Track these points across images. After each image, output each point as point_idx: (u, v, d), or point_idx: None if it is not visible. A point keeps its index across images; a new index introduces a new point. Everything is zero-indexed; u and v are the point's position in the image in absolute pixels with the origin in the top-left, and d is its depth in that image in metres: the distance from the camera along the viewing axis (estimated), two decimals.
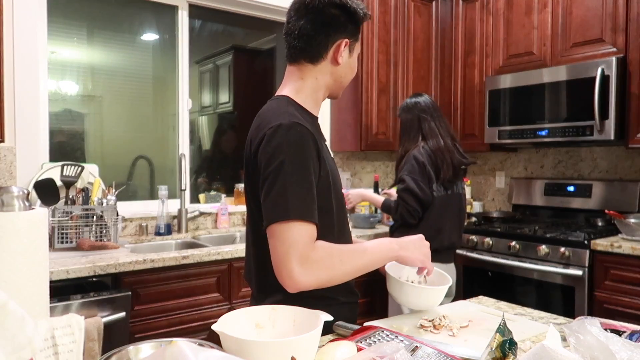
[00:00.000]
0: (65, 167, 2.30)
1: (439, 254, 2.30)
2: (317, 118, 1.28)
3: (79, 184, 2.33)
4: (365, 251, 1.16)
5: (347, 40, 1.22)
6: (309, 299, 1.10)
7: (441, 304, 1.31)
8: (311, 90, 1.24)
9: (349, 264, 1.11)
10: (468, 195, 3.56)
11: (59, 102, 2.66)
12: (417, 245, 1.24)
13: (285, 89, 1.25)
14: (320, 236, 1.15)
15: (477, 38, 3.32)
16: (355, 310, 1.30)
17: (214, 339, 0.88)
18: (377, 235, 2.84)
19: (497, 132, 3.09)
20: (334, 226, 1.20)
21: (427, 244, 1.27)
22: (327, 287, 1.10)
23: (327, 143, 1.32)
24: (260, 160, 1.11)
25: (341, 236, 1.24)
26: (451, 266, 2.44)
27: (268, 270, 1.10)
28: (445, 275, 1.33)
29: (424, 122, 2.40)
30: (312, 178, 1.09)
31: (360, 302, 1.35)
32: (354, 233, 1.37)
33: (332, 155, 1.31)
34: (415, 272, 1.33)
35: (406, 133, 2.47)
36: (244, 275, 1.31)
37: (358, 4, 1.23)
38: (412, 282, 1.33)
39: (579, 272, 2.45)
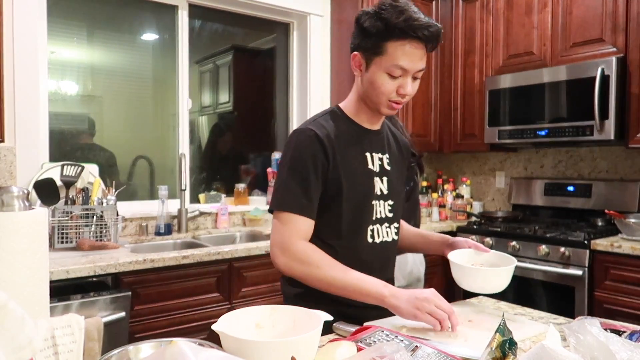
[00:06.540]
0: (65, 167, 2.30)
1: None
2: (362, 127, 1.32)
3: (79, 184, 2.33)
4: (348, 273, 1.19)
5: (357, 52, 1.26)
6: (327, 296, 1.21)
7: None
8: (355, 98, 1.33)
9: (323, 272, 1.19)
10: (467, 195, 3.56)
11: (59, 102, 2.66)
12: (412, 298, 1.11)
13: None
14: (326, 237, 1.26)
15: (477, 38, 3.32)
16: (378, 312, 1.23)
17: (214, 339, 0.88)
18: None
19: (497, 132, 3.10)
20: (341, 231, 1.27)
21: (430, 300, 1.10)
22: (304, 283, 1.22)
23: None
24: None
25: (350, 242, 1.28)
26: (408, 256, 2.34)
27: None
28: (509, 257, 1.31)
29: None
30: (312, 178, 1.22)
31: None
32: None
33: (371, 166, 1.31)
34: (476, 256, 1.35)
35: None
36: None
37: (387, 19, 1.16)
38: (474, 265, 1.33)
39: (579, 272, 2.45)
